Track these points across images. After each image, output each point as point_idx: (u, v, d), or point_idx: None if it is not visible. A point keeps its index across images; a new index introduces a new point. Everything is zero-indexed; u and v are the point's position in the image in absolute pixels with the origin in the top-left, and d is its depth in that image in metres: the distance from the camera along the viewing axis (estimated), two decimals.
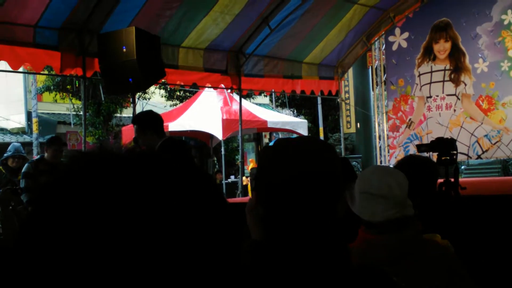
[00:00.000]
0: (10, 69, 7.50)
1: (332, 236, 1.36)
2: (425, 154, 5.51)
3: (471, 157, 11.75)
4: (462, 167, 15.41)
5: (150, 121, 4.98)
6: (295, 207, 1.33)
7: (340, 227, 1.41)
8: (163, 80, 8.74)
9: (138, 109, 14.39)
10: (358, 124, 15.31)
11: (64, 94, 17.08)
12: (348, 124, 17.30)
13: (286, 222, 1.34)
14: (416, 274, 2.15)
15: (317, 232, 1.33)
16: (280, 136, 20.91)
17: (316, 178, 1.33)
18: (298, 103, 23.22)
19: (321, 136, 20.48)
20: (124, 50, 6.71)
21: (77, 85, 14.96)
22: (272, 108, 22.90)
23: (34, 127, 17.17)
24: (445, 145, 4.96)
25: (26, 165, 7.15)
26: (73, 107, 17.49)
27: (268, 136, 23.51)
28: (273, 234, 1.35)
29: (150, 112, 5.21)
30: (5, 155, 7.97)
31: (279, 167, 1.35)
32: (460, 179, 5.64)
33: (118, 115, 17.67)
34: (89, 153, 0.68)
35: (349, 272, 1.31)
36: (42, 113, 18.81)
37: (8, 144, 8.38)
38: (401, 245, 2.20)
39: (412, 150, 11.71)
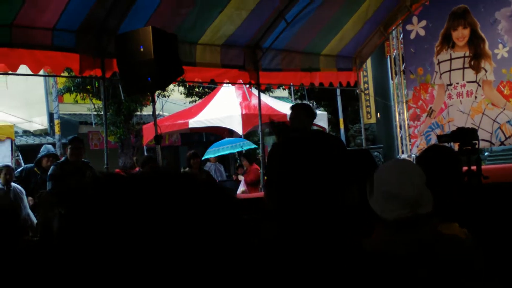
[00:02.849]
0: (30, 72, 7.60)
1: (340, 226, 1.39)
2: (446, 145, 5.47)
3: (494, 144, 11.63)
4: (486, 153, 15.27)
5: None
6: (302, 200, 1.38)
7: (352, 218, 1.45)
8: (181, 78, 8.78)
9: (158, 107, 14.48)
10: (378, 114, 15.23)
11: (85, 94, 17.21)
12: (368, 114, 17.22)
13: (295, 214, 1.38)
14: (434, 270, 2.14)
15: (325, 223, 1.37)
16: None
17: (322, 171, 1.37)
18: (317, 95, 23.14)
19: (342, 127, 20.43)
20: (142, 49, 6.75)
21: (97, 86, 15.08)
22: (291, 101, 22.86)
23: (56, 128, 17.37)
24: (466, 135, 4.92)
25: (52, 167, 7.31)
26: (94, 107, 17.63)
27: None
28: (284, 226, 1.39)
29: None
30: (38, 156, 8.25)
31: (286, 163, 1.39)
32: (483, 166, 5.59)
33: (139, 113, 17.76)
34: (115, 177, 0.73)
35: (360, 261, 1.33)
36: (64, 114, 19.01)
37: (31, 145, 8.62)
38: (416, 244, 2.18)
39: (434, 138, 11.62)
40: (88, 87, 16.61)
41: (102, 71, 7.83)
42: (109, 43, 7.58)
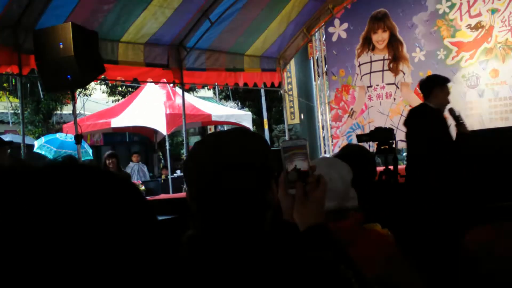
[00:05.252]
0: None
1: (264, 224, 1.40)
2: (365, 144, 5.61)
3: None
4: (404, 154, 15.77)
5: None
6: (223, 201, 1.38)
7: (278, 214, 1.46)
8: (103, 76, 8.58)
9: (79, 106, 14.10)
10: (302, 115, 15.44)
11: (1, 92, 16.58)
12: (292, 115, 17.41)
13: (216, 215, 1.39)
14: (356, 263, 2.18)
15: (247, 221, 1.38)
16: (226, 128, 20.91)
17: (242, 170, 1.37)
18: (242, 96, 23.24)
19: (266, 128, 20.59)
20: (61, 46, 6.55)
21: (14, 83, 14.54)
22: (216, 101, 22.85)
23: None
24: (384, 135, 5.07)
25: None
26: (11, 105, 17.00)
27: (213, 129, 23.45)
28: (206, 227, 1.39)
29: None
30: None
31: (206, 163, 1.39)
32: (401, 166, 5.78)
33: (59, 112, 17.27)
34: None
35: (283, 258, 1.34)
36: None
37: None
38: (340, 234, 2.24)
39: (355, 139, 11.89)
40: (5, 84, 16.00)
41: (19, 68, 7.53)
42: (27, 39, 7.31)
